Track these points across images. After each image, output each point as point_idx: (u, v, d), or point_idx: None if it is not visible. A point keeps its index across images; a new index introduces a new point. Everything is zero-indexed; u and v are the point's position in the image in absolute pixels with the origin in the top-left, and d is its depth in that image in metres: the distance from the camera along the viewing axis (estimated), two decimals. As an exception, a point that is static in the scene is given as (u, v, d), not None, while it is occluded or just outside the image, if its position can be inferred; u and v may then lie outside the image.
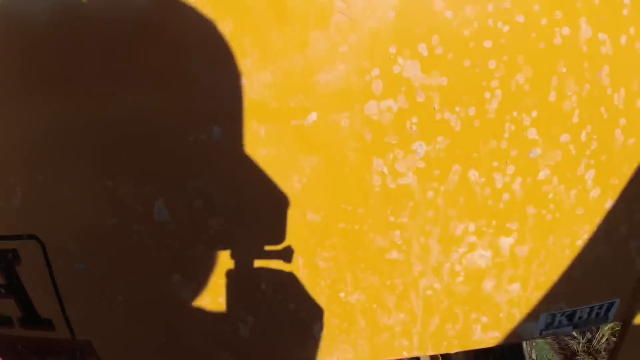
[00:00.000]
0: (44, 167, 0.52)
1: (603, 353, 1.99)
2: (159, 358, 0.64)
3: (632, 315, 0.69)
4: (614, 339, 2.10)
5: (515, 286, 0.60)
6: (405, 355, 0.65)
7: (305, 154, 0.49)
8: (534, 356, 1.92)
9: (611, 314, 0.69)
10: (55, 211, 0.54)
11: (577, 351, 2.05)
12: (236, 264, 0.55)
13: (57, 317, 0.62)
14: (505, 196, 0.53)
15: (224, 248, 0.54)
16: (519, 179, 0.53)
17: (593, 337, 2.10)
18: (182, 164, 0.50)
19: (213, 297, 0.57)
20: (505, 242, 0.56)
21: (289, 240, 0.54)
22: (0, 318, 0.65)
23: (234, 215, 0.52)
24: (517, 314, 0.63)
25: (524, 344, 1.72)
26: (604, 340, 2.08)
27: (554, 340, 2.14)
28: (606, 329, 2.10)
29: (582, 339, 2.09)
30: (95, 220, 0.53)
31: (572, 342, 2.09)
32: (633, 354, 0.75)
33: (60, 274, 0.57)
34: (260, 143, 0.49)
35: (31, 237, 0.55)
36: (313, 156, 0.49)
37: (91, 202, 0.52)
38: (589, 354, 2.04)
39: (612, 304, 0.68)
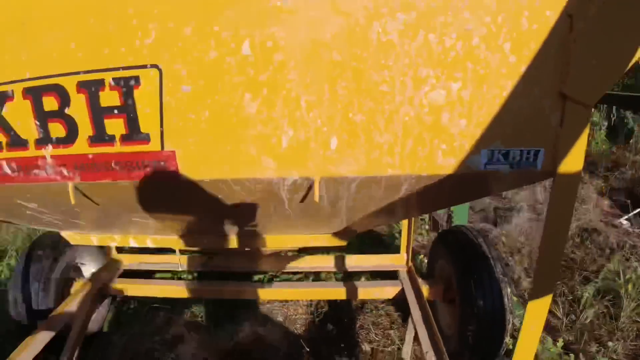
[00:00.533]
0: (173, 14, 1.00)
1: (586, 334, 2.36)
2: (222, 164, 1.08)
3: (556, 166, 1.12)
4: (597, 321, 2.48)
5: (463, 121, 1.05)
6: (390, 172, 1.08)
7: (335, 16, 0.97)
8: (517, 324, 2.28)
9: (539, 161, 1.12)
10: (176, 45, 1.00)
11: (561, 330, 2.43)
12: (287, 87, 1.01)
13: (154, 130, 1.07)
14: (452, 53, 1.00)
15: (280, 75, 1.00)
16: (459, 42, 0.99)
17: (577, 318, 2.48)
18: (263, 19, 0.97)
19: (268, 111, 1.02)
20: (454, 86, 1.02)
21: (322, 73, 1.00)
22: (105, 136, 1.10)
23: (290, 53, 0.99)
24: (466, 146, 1.07)
25: (507, 313, 2.11)
26: (587, 321, 2.45)
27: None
28: (591, 312, 2.48)
29: (566, 318, 2.48)
30: (204, 52, 0.99)
31: (557, 321, 2.49)
32: (562, 203, 1.16)
33: (168, 93, 1.03)
34: (311, 7, 0.97)
35: (154, 66, 1.02)
36: (339, 17, 0.97)
37: (202, 38, 0.99)
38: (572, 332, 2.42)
39: (538, 151, 1.11)
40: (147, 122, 1.05)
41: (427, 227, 3.41)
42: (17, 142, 1.13)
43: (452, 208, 3.16)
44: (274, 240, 1.77)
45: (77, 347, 1.92)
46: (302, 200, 1.24)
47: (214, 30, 0.98)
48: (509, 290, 2.14)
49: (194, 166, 1.09)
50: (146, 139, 1.07)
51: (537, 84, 1.04)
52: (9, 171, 1.18)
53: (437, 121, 1.04)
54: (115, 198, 1.24)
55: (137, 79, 1.03)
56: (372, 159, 1.06)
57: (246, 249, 2.09)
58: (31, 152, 1.14)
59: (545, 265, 1.21)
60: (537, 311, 1.22)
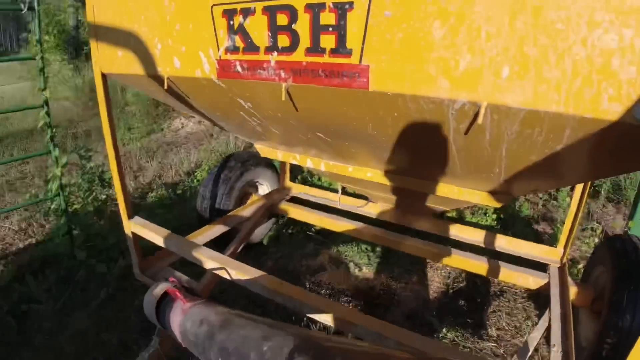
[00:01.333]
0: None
1: None
2: (404, 80, 1.48)
3: None
4: None
5: (632, 69, 1.25)
6: (554, 108, 1.35)
7: None
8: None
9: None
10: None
11: None
12: (472, 18, 1.36)
13: (356, 47, 1.51)
14: (628, 2, 1.22)
15: (468, 6, 1.35)
16: (643, -8, 1.21)
17: None
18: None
19: (452, 38, 1.38)
20: (627, 33, 1.23)
21: (505, 8, 1.32)
22: (319, 48, 1.58)
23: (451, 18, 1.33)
24: (633, 94, 1.27)
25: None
26: None
27: None
28: None
29: None
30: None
31: None
32: None
33: (373, 16, 1.46)
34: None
35: (368, -4, 1.46)
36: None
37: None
38: None
39: None
40: (353, 39, 1.50)
41: (596, 239, 3.37)
42: (251, 47, 1.70)
43: (629, 224, 3.09)
44: (431, 186, 2.12)
45: (240, 245, 2.55)
46: (466, 132, 1.58)
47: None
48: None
49: (381, 80, 1.50)
50: (349, 53, 1.52)
51: None
52: (240, 70, 1.77)
53: (607, 65, 1.27)
54: (313, 104, 1.75)
55: (351, 4, 1.48)
56: (539, 92, 1.34)
57: (402, 197, 2.48)
58: (260, 56, 1.69)
59: None
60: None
